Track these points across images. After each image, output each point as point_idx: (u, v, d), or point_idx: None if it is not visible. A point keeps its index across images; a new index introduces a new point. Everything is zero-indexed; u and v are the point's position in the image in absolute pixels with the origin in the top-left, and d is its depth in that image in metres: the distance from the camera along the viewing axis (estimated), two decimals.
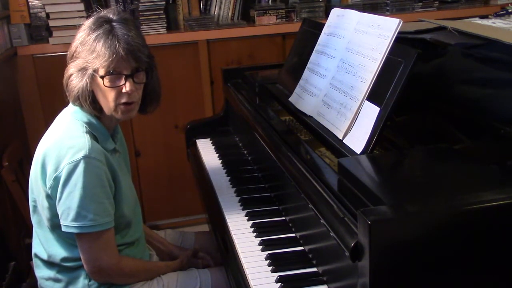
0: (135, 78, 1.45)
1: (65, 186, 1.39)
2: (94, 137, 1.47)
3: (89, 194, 1.40)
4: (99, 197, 1.42)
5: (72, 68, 1.46)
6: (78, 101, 1.47)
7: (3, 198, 2.20)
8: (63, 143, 1.42)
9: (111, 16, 1.46)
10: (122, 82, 1.44)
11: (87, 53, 1.42)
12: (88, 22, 1.46)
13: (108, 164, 1.47)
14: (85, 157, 1.39)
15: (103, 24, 1.43)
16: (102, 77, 1.42)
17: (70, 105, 1.52)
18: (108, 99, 1.45)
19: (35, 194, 1.51)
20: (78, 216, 1.40)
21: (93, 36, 1.41)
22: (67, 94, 1.50)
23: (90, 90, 1.45)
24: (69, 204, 1.40)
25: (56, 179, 1.40)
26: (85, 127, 1.46)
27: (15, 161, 2.01)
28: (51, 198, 1.44)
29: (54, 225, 1.48)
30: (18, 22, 2.70)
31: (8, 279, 2.04)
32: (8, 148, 2.06)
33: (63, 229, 1.43)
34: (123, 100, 1.45)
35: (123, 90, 1.44)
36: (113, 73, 1.42)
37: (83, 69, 1.43)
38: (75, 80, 1.45)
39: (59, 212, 1.42)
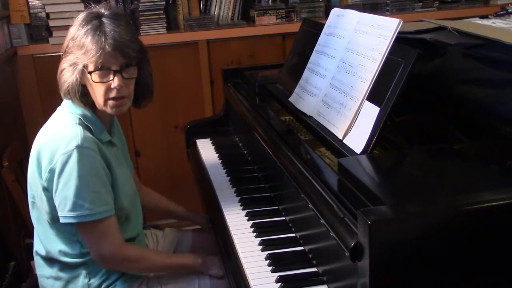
0: (124, 73, 1.45)
1: (60, 177, 1.40)
2: (88, 128, 1.47)
3: (84, 183, 1.40)
4: (95, 186, 1.42)
5: (64, 63, 1.47)
6: (69, 95, 1.48)
7: (3, 198, 2.20)
8: (56, 135, 1.44)
9: (102, 11, 1.47)
10: (111, 77, 1.44)
11: (76, 48, 1.43)
12: (79, 17, 1.47)
13: (102, 154, 1.47)
14: (78, 147, 1.40)
15: (92, 20, 1.44)
16: (90, 73, 1.43)
17: (65, 100, 1.54)
18: (97, 94, 1.45)
19: (33, 189, 1.51)
20: (74, 206, 1.40)
21: (82, 31, 1.42)
22: (59, 87, 1.50)
23: (79, 84, 1.46)
24: (65, 195, 1.40)
25: (51, 171, 1.41)
26: (79, 119, 1.47)
27: (15, 161, 2.00)
28: (48, 191, 1.45)
29: (54, 218, 1.48)
30: (18, 22, 2.70)
31: (8, 279, 2.04)
32: (8, 148, 2.06)
33: (61, 220, 1.43)
34: (112, 95, 1.45)
35: (112, 86, 1.44)
36: (102, 68, 1.43)
37: (74, 64, 1.44)
38: (66, 74, 1.46)
39: (56, 204, 1.43)
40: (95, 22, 1.43)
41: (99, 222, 1.44)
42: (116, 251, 1.48)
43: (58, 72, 1.49)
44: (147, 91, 1.60)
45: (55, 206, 1.45)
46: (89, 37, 1.41)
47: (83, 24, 1.43)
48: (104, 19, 1.44)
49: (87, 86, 1.47)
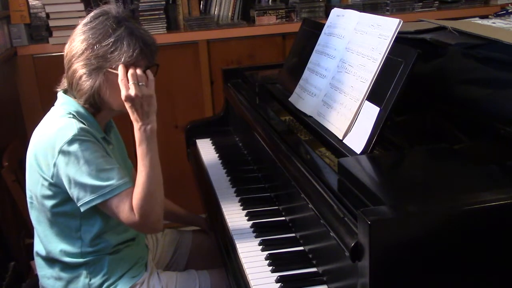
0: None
1: (68, 168, 1.40)
2: (81, 123, 1.47)
3: (94, 166, 1.40)
4: (105, 165, 1.42)
5: (82, 69, 1.44)
6: (80, 96, 1.47)
7: (3, 198, 2.19)
8: (51, 130, 1.44)
9: (118, 14, 1.47)
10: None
11: (107, 51, 1.42)
12: (98, 21, 1.45)
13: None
14: (75, 135, 1.40)
15: (121, 23, 1.44)
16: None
17: (58, 98, 1.53)
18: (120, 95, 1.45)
19: (31, 190, 1.51)
20: (94, 189, 1.40)
21: (115, 34, 1.42)
22: (74, 91, 1.49)
23: (99, 89, 1.45)
24: (81, 182, 1.40)
25: (56, 165, 1.41)
26: (73, 114, 1.47)
27: (15, 161, 2.00)
28: (56, 186, 1.44)
29: (58, 213, 1.47)
30: (18, 22, 2.71)
31: (8, 279, 2.04)
32: (8, 148, 2.06)
33: (84, 208, 1.41)
34: None
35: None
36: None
37: (97, 69, 1.43)
38: (88, 80, 1.44)
39: (75, 196, 1.42)
40: (126, 24, 1.44)
41: (125, 194, 1.43)
42: (132, 217, 1.45)
43: (75, 77, 1.46)
44: None
45: (64, 199, 1.44)
46: (125, 40, 1.42)
47: (114, 27, 1.43)
48: (128, 23, 1.45)
49: (103, 89, 1.46)
